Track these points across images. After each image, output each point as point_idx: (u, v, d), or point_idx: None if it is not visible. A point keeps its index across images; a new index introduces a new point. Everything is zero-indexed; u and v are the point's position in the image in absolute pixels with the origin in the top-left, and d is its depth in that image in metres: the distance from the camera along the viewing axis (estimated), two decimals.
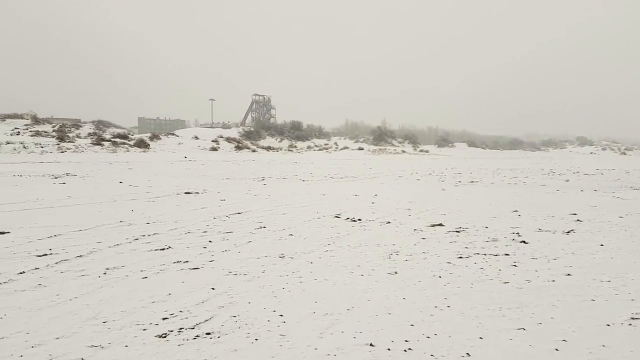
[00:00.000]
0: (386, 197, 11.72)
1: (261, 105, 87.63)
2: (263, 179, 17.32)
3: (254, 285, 4.24)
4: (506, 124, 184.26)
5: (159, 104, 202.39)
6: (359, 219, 8.14)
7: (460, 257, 5.49)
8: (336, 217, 8.42)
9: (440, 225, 7.65)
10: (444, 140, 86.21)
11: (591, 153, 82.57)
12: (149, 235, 6.43)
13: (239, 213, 8.65)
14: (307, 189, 13.91)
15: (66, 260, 4.93)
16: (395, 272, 4.76)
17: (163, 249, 5.60)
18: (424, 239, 6.55)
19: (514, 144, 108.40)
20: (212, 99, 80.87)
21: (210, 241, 6.16)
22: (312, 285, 4.28)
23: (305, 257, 5.36)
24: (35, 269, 4.54)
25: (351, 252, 5.64)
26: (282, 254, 5.49)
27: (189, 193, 11.87)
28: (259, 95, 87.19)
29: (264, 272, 4.72)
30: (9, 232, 6.29)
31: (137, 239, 6.14)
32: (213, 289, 4.12)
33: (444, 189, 14.30)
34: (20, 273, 4.38)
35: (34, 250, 5.30)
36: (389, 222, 7.87)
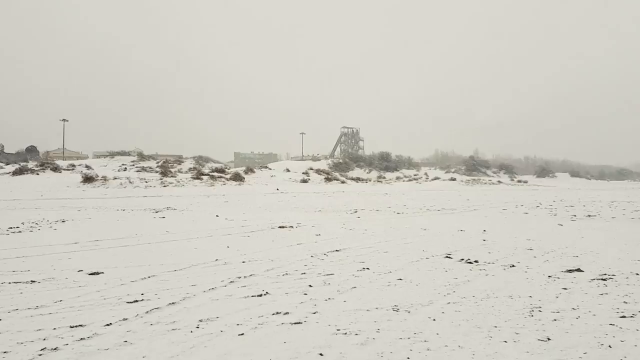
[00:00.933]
0: (498, 233, 10.43)
1: (349, 137, 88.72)
2: (356, 211, 16.59)
3: (370, 353, 3.41)
4: (609, 149, 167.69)
5: (255, 138, 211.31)
6: (475, 261, 7.07)
7: (624, 317, 4.33)
8: (447, 257, 7.42)
9: (579, 270, 6.38)
10: (543, 170, 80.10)
11: None
12: (244, 277, 5.89)
13: (337, 250, 7.96)
14: (405, 222, 12.94)
15: (157, 308, 4.43)
16: (548, 339, 3.71)
17: (260, 295, 5.00)
18: (565, 289, 5.36)
19: (622, 174, 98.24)
20: (302, 133, 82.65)
21: (310, 286, 5.48)
22: (444, 356, 3.36)
23: (425, 311, 4.46)
24: (124, 319, 4.06)
25: (480, 306, 4.64)
26: (396, 306, 4.63)
27: (283, 227, 11.44)
28: (348, 128, 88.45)
29: (378, 331, 3.89)
30: (102, 273, 6.03)
31: (232, 282, 5.62)
32: (321, 354, 3.37)
33: (561, 225, 12.63)
34: (107, 325, 3.91)
35: (125, 295, 4.90)
36: (513, 266, 6.72)
